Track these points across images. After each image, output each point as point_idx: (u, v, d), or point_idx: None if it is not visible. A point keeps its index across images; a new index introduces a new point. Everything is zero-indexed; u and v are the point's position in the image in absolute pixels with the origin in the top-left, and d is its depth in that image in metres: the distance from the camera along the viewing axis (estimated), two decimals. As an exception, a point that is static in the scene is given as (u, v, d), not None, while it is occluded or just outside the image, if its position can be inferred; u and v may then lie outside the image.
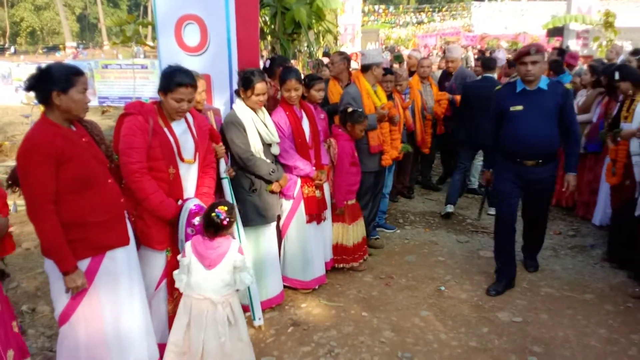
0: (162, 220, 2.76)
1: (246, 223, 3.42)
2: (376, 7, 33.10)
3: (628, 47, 12.11)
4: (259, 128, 3.41)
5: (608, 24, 11.95)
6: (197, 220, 2.77)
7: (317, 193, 3.76)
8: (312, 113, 3.84)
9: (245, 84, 3.36)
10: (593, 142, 5.14)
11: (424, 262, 4.52)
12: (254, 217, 3.43)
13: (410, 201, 6.30)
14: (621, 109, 4.34)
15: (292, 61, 10.01)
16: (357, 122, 4.04)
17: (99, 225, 2.42)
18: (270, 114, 3.61)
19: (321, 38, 9.79)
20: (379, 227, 5.15)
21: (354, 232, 4.20)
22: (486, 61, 5.95)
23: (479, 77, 5.99)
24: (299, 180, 3.70)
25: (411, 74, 6.40)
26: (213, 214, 2.64)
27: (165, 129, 2.79)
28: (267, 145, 3.48)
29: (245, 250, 3.29)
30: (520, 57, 3.65)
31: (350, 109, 4.07)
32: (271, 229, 3.62)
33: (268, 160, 3.47)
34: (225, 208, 2.67)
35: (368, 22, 28.46)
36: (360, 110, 4.12)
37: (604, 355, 3.12)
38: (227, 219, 2.64)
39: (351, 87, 4.43)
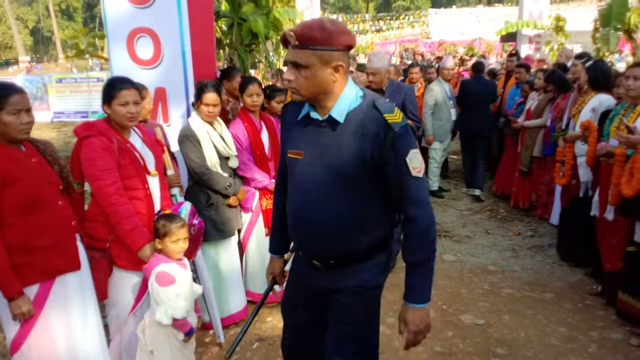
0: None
1: (204, 238, 3.35)
2: (334, 15, 33.43)
3: (578, 49, 12.54)
4: (215, 141, 3.35)
5: (558, 28, 12.36)
6: (196, 220, 2.78)
7: (278, 206, 3.72)
8: (273, 125, 3.81)
9: (197, 95, 3.33)
10: (548, 145, 5.30)
11: (389, 269, 4.53)
12: (212, 231, 3.37)
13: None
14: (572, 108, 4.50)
15: (252, 71, 9.98)
16: None
17: (48, 249, 2.31)
18: (227, 126, 3.57)
19: (281, 48, 9.77)
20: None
21: None
22: (477, 65, 7.14)
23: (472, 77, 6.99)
24: (257, 193, 3.66)
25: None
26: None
27: (127, 144, 2.71)
28: (224, 159, 3.43)
29: (202, 271, 3.25)
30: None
31: None
32: (232, 243, 3.57)
33: (225, 174, 3.41)
34: (168, 211, 2.65)
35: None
36: None
37: (564, 353, 3.18)
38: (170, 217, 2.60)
39: None
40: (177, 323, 2.56)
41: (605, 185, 3.55)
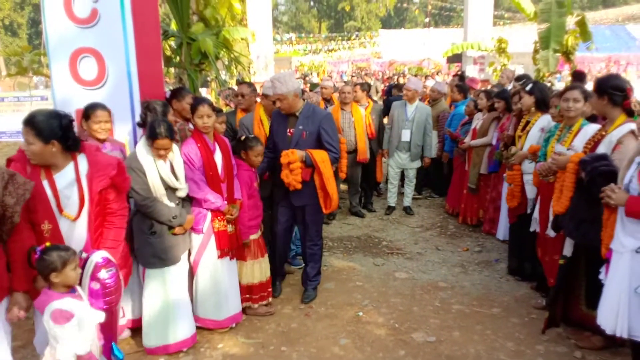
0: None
1: (146, 265, 3.31)
2: (287, 35, 33.81)
3: (520, 70, 13.14)
4: (162, 172, 3.26)
5: (501, 50, 12.91)
6: (103, 274, 2.59)
7: (230, 228, 3.65)
8: (227, 146, 3.76)
9: (149, 133, 3.19)
10: (493, 163, 5.49)
11: (343, 288, 4.53)
12: (153, 260, 3.28)
13: (328, 227, 6.33)
14: (516, 128, 4.66)
15: (204, 90, 9.89)
16: (249, 148, 3.87)
17: None
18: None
19: (233, 67, 9.75)
20: (298, 255, 5.09)
21: (260, 268, 4.02)
22: (398, 85, 8.49)
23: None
24: (209, 214, 3.58)
25: (327, 101, 6.74)
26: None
27: (45, 181, 2.61)
28: (171, 188, 3.34)
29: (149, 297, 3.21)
30: None
31: (243, 137, 3.96)
32: (178, 269, 3.46)
33: (172, 204, 3.32)
34: (48, 243, 2.48)
35: (281, 50, 28.91)
36: (252, 136, 4.00)
37: (512, 368, 3.26)
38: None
39: (247, 117, 4.44)
40: (82, 359, 2.43)
41: (545, 203, 3.69)
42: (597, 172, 2.95)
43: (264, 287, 4.03)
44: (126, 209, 2.96)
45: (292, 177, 3.87)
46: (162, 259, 3.32)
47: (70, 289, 2.51)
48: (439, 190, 7.58)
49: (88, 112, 3.40)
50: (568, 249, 3.40)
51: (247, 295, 3.95)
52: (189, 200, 3.53)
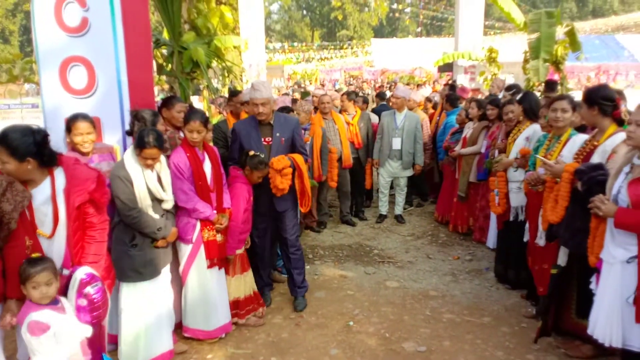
0: None
1: (122, 279, 3.25)
2: (279, 44, 33.94)
3: (510, 80, 13.24)
4: (149, 182, 3.22)
5: (491, 60, 13.02)
6: (89, 290, 2.56)
7: (219, 237, 3.63)
8: (216, 155, 3.75)
9: (138, 143, 3.16)
10: (482, 171, 5.52)
11: (334, 298, 4.52)
12: (130, 273, 3.23)
13: (319, 235, 6.33)
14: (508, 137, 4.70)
15: (196, 97, 9.88)
16: (257, 168, 3.80)
17: None
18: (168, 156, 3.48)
19: (226, 75, 9.77)
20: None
21: (245, 283, 3.99)
22: (380, 93, 8.87)
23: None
24: (198, 224, 3.56)
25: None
26: None
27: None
28: (157, 200, 3.30)
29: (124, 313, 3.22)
30: None
31: (251, 153, 3.85)
32: (157, 284, 3.38)
33: (156, 216, 3.28)
34: (36, 255, 2.46)
35: (273, 58, 29.01)
36: (263, 156, 3.84)
37: (502, 377, 3.25)
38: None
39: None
40: None
41: (534, 212, 3.70)
42: (594, 181, 2.93)
43: (249, 301, 4.00)
44: (107, 222, 2.89)
45: (286, 183, 3.90)
46: (140, 272, 3.26)
47: (52, 301, 2.48)
48: (426, 196, 7.74)
49: (69, 124, 3.28)
50: (562, 259, 3.40)
51: (234, 311, 3.90)
52: (173, 212, 3.50)
